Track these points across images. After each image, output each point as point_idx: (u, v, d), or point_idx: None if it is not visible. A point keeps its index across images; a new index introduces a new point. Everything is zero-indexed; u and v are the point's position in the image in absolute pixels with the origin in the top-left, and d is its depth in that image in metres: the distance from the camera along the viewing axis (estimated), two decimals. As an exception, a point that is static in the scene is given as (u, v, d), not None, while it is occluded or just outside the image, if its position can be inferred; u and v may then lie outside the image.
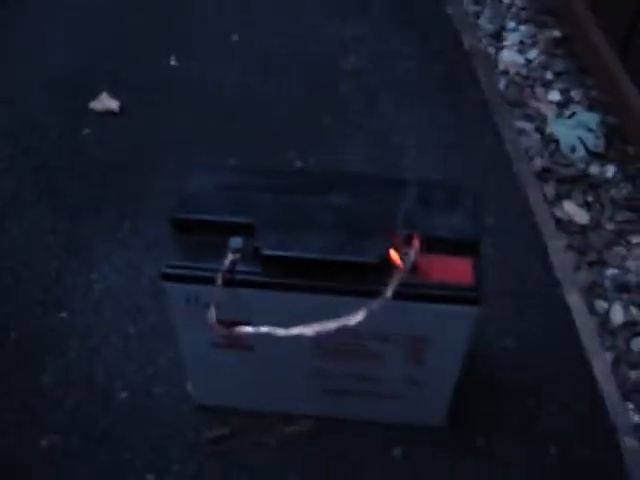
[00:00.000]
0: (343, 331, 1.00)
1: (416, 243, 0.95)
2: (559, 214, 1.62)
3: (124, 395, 1.30)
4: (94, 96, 1.84)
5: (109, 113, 1.81)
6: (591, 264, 1.53)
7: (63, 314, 1.41)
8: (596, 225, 1.60)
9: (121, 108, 1.81)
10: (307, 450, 1.23)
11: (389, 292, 0.88)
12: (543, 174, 1.70)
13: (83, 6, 2.12)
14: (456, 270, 0.97)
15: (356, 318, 0.76)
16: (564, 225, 1.60)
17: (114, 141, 1.75)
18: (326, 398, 1.20)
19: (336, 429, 1.25)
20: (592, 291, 1.48)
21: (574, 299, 1.43)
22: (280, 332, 0.88)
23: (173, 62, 1.95)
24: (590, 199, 1.65)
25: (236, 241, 0.97)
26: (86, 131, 1.77)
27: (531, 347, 1.37)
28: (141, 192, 1.63)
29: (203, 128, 1.77)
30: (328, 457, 1.23)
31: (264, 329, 0.88)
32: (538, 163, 1.72)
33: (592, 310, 1.44)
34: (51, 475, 1.21)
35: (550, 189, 1.66)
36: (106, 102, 1.83)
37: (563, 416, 1.28)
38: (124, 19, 2.08)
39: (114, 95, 1.84)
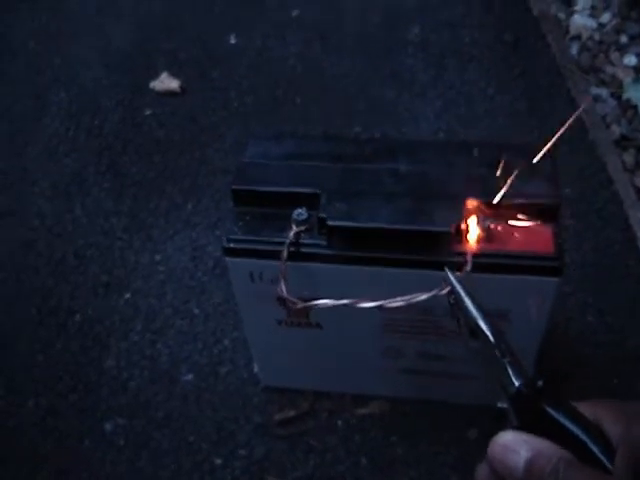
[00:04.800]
0: (416, 306, 0.96)
1: (491, 210, 0.89)
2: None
3: (189, 377, 1.27)
4: (155, 76, 1.81)
5: (170, 93, 1.78)
6: (677, 234, 1.44)
7: (127, 296, 1.38)
8: (680, 193, 1.50)
9: (182, 87, 1.78)
10: (379, 433, 1.19)
11: (470, 262, 0.82)
12: (622, 141, 1.60)
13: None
14: (535, 238, 0.90)
15: (446, 288, 0.71)
16: (646, 194, 1.51)
17: (175, 121, 1.72)
18: (398, 378, 1.15)
19: (409, 411, 1.20)
20: (679, 263, 1.39)
21: (659, 272, 1.35)
22: (363, 304, 0.82)
23: (233, 40, 1.91)
24: (673, 166, 1.55)
25: (300, 212, 0.92)
26: (147, 111, 1.74)
27: (613, 323, 1.29)
28: (204, 170, 1.59)
29: (264, 105, 1.73)
30: (401, 440, 1.18)
31: (344, 301, 0.83)
32: (616, 130, 1.63)
33: (679, 283, 1.36)
34: (115, 459, 1.19)
35: (630, 157, 1.57)
36: (167, 82, 1.80)
37: (651, 396, 1.21)
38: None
39: (174, 74, 1.81)
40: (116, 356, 1.30)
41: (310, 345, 1.09)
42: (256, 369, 1.24)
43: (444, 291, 0.72)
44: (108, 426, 1.22)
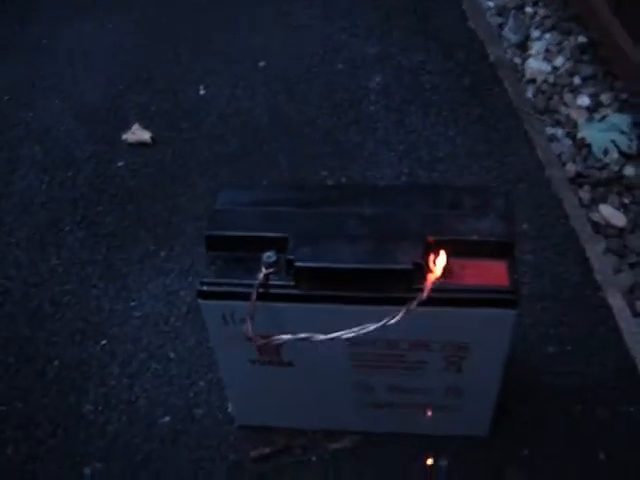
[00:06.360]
0: (381, 340, 1.01)
1: (448, 247, 0.94)
2: (596, 218, 1.59)
3: (166, 419, 1.30)
4: (126, 127, 1.86)
5: (142, 144, 1.83)
6: (632, 266, 1.50)
7: (103, 342, 1.42)
8: (634, 227, 1.57)
9: (153, 139, 1.84)
10: (352, 466, 1.22)
11: (425, 293, 0.87)
12: (577, 179, 1.68)
13: (112, 39, 2.16)
14: (491, 273, 0.96)
15: (395, 318, 0.76)
16: (601, 228, 1.58)
17: (147, 171, 1.77)
18: (369, 412, 1.19)
19: (380, 444, 1.24)
20: (634, 293, 1.45)
21: (616, 302, 1.41)
22: (319, 337, 0.88)
23: (202, 91, 1.97)
24: (626, 201, 1.62)
25: (269, 255, 0.97)
26: (120, 162, 1.79)
27: (574, 352, 1.34)
28: (175, 219, 1.64)
29: (233, 153, 1.79)
30: (373, 473, 1.22)
31: (302, 335, 0.88)
32: (571, 168, 1.70)
33: (635, 312, 1.42)
34: (97, 501, 1.22)
35: (585, 193, 1.64)
36: (138, 133, 1.85)
37: (611, 422, 1.25)
38: (152, 52, 2.11)
39: (146, 126, 1.87)
40: (94, 401, 1.33)
41: (283, 383, 1.13)
42: (230, 408, 1.27)
43: (392, 321, 0.77)
44: (87, 470, 1.25)
